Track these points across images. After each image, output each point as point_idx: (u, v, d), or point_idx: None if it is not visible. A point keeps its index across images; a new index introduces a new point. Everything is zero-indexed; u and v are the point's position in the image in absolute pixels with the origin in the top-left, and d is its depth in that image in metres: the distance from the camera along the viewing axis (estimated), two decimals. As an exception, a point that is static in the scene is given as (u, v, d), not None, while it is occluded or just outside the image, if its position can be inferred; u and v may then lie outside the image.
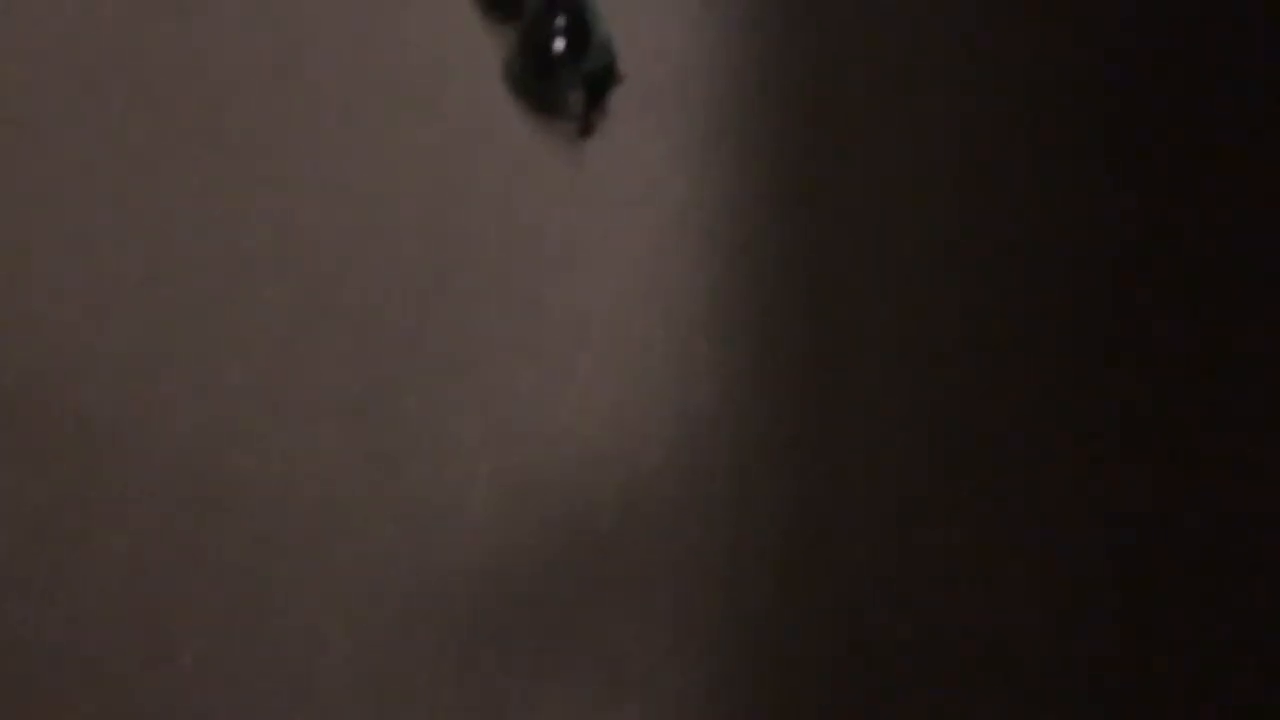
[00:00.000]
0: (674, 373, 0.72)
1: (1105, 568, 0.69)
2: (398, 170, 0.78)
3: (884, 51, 0.83)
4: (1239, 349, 0.75)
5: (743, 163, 0.79)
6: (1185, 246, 0.78)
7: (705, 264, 0.76)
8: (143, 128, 0.78)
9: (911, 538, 0.69)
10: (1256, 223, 0.79)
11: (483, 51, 0.83)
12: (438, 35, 0.83)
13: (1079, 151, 0.81)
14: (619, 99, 0.81)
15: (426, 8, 0.84)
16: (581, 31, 0.80)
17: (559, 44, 0.80)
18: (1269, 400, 0.74)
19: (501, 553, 0.67)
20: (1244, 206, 0.79)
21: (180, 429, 0.70)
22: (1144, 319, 0.75)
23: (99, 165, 0.77)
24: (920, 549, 0.69)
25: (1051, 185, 0.80)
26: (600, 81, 0.80)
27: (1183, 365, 0.74)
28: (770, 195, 0.78)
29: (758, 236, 0.77)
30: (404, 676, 0.66)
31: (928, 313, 0.75)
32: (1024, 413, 0.73)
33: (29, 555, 0.67)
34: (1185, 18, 0.85)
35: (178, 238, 0.75)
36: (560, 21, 0.81)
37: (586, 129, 0.80)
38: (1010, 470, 0.71)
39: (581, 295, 0.74)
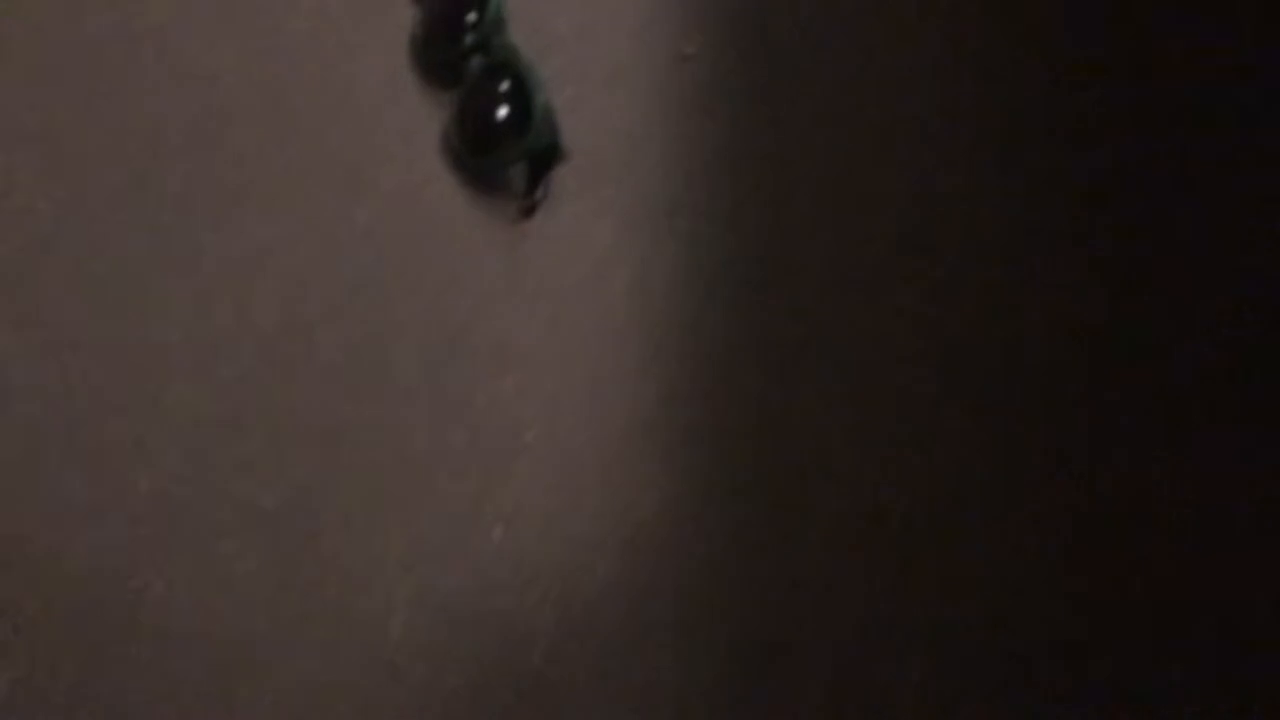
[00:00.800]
0: (616, 482, 0.66)
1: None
2: (323, 254, 0.72)
3: (847, 129, 0.77)
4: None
5: (695, 247, 0.73)
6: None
7: (652, 360, 0.70)
8: (50, 200, 0.72)
9: (874, 672, 0.63)
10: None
11: (420, 122, 0.77)
12: (372, 104, 0.77)
13: (1052, 247, 0.75)
14: (563, 175, 0.75)
15: (360, 73, 0.78)
16: (523, 103, 0.73)
17: (500, 114, 0.74)
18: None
19: (423, 689, 0.61)
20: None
21: (79, 546, 0.64)
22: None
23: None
24: (884, 683, 0.63)
25: (1023, 278, 0.74)
26: (543, 158, 0.74)
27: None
28: (724, 283, 0.72)
29: (710, 330, 0.71)
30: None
31: (894, 421, 0.69)
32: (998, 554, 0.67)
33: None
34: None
35: (77, 326, 0.69)
36: (503, 88, 0.75)
37: (528, 209, 0.74)
38: (981, 605, 0.65)
39: (516, 395, 0.68)
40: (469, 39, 0.77)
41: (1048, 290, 0.73)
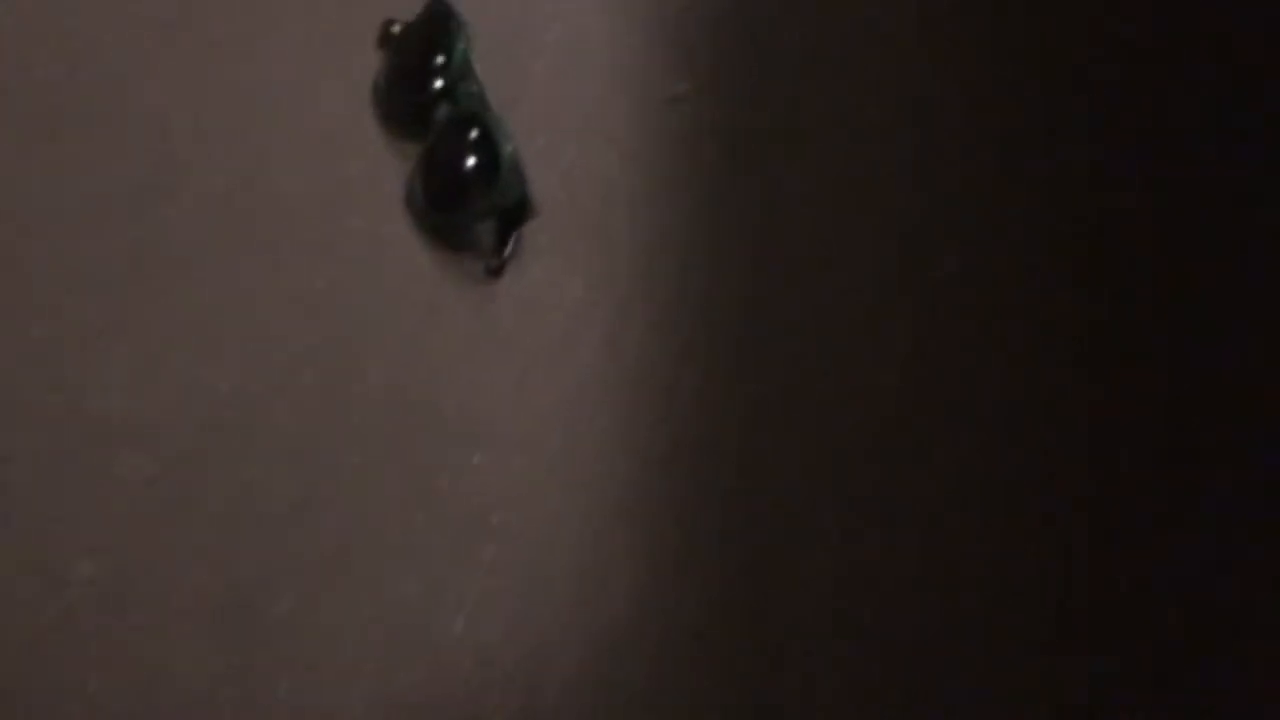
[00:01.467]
0: (586, 569, 0.62)
1: None
2: (278, 317, 0.68)
3: (830, 181, 0.74)
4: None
5: (671, 307, 0.69)
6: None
7: (626, 431, 0.66)
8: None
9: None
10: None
11: (383, 174, 0.73)
12: (333, 155, 0.73)
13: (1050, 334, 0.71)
14: (533, 231, 0.71)
15: (321, 122, 0.74)
16: (491, 155, 0.70)
17: (467, 167, 0.70)
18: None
19: (379, 797, 0.58)
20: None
21: (19, 635, 0.60)
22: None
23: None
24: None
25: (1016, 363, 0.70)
26: (512, 214, 0.70)
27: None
28: (701, 346, 0.68)
29: (686, 396, 0.67)
30: None
31: (877, 497, 0.65)
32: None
33: None
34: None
35: (13, 393, 0.65)
36: (470, 139, 0.71)
37: (496, 268, 0.70)
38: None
39: (483, 473, 0.64)
40: (435, 86, 0.73)
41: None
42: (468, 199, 0.70)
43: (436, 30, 0.74)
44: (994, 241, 0.72)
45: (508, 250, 0.70)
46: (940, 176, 0.74)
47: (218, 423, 0.65)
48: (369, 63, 0.76)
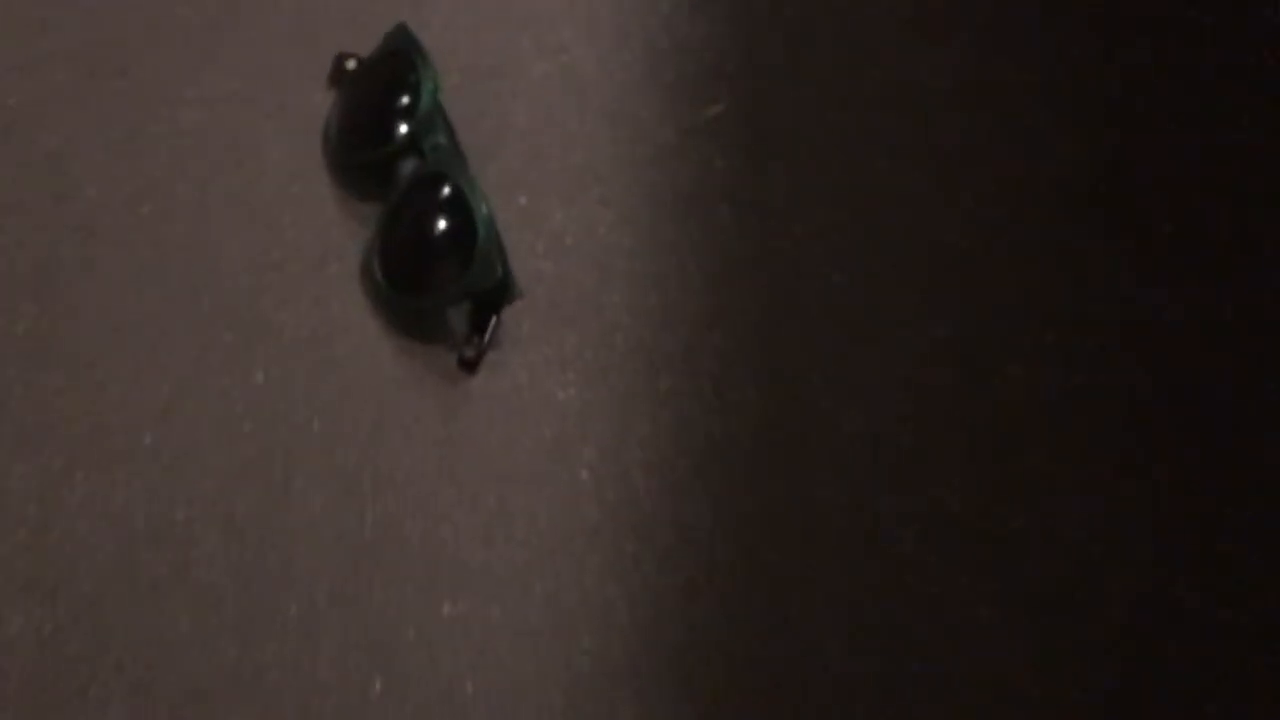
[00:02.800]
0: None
1: None
2: (206, 425, 0.56)
3: (848, 258, 0.62)
4: None
5: (680, 413, 0.57)
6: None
7: (625, 571, 0.54)
8: None
9: None
10: None
11: (333, 245, 0.61)
12: (271, 219, 0.61)
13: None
14: (516, 316, 0.59)
15: (257, 178, 0.62)
16: (465, 222, 0.57)
17: (435, 237, 0.58)
18: None
19: None
20: None
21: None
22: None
23: None
24: None
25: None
26: (490, 296, 0.58)
27: None
28: (716, 461, 0.56)
29: (696, 525, 0.55)
30: None
31: (889, 616, 0.53)
32: None
33: None
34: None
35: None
36: (439, 201, 0.58)
37: (470, 361, 0.58)
38: None
39: (453, 628, 0.52)
40: (397, 135, 0.61)
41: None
42: (436, 278, 0.58)
43: (399, 67, 0.62)
44: (1054, 350, 0.60)
45: (485, 339, 0.58)
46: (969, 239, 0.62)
47: (129, 565, 0.53)
48: (317, 105, 0.64)
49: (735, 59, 0.67)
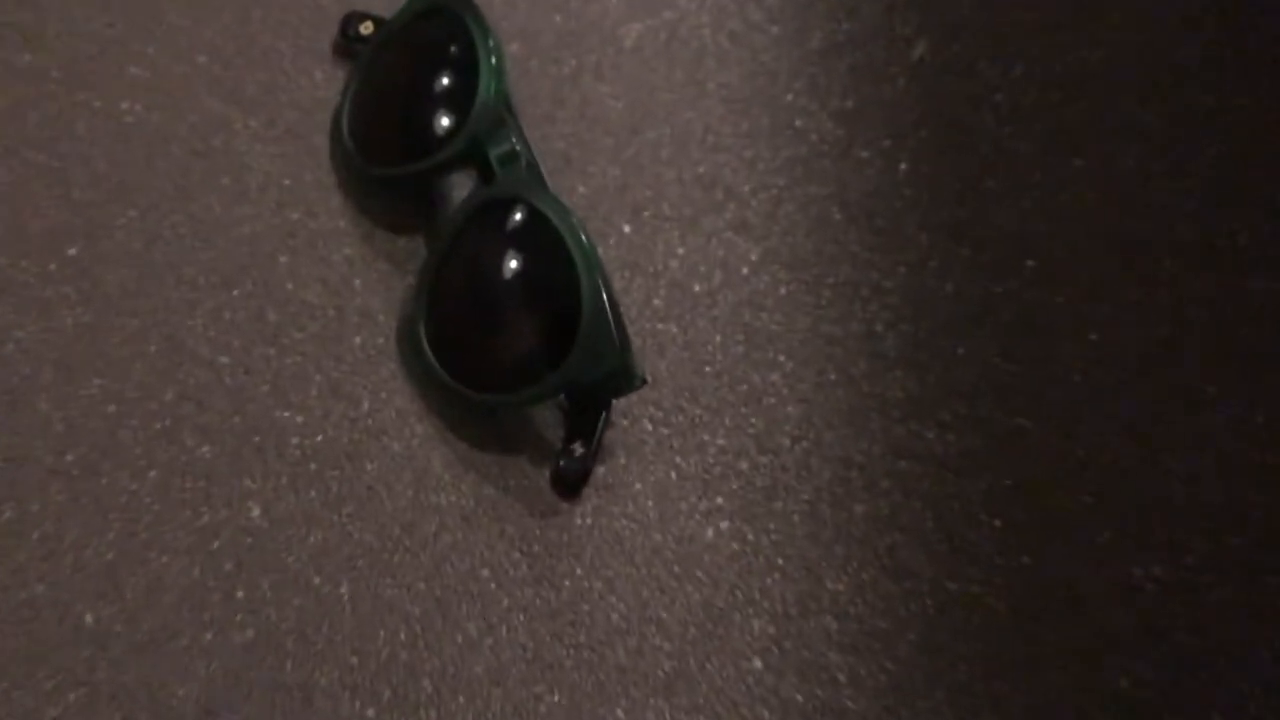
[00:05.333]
0: None
1: None
2: (183, 559, 0.36)
3: (1093, 319, 0.43)
4: None
5: (883, 555, 0.38)
6: None
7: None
8: None
9: None
10: None
11: (361, 307, 0.41)
12: (266, 253, 0.41)
13: None
14: (628, 409, 0.40)
15: (239, 182, 0.42)
16: (562, 279, 0.38)
17: (513, 301, 0.39)
18: None
19: None
20: None
21: None
22: None
23: None
24: None
25: None
26: (601, 388, 0.38)
27: None
28: (931, 641, 0.37)
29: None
30: None
31: None
32: None
33: None
34: None
35: None
36: (520, 245, 0.39)
37: (570, 479, 0.38)
38: None
39: None
40: (445, 140, 0.41)
41: None
42: (519, 362, 0.38)
43: (442, 33, 0.42)
44: None
45: (592, 447, 0.38)
46: None
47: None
48: (319, 90, 0.44)
49: None
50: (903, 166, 0.44)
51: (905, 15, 0.47)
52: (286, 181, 0.43)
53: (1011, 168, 0.44)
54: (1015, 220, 0.44)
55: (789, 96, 0.46)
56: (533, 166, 0.41)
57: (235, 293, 0.41)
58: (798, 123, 0.45)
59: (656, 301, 0.42)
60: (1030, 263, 0.43)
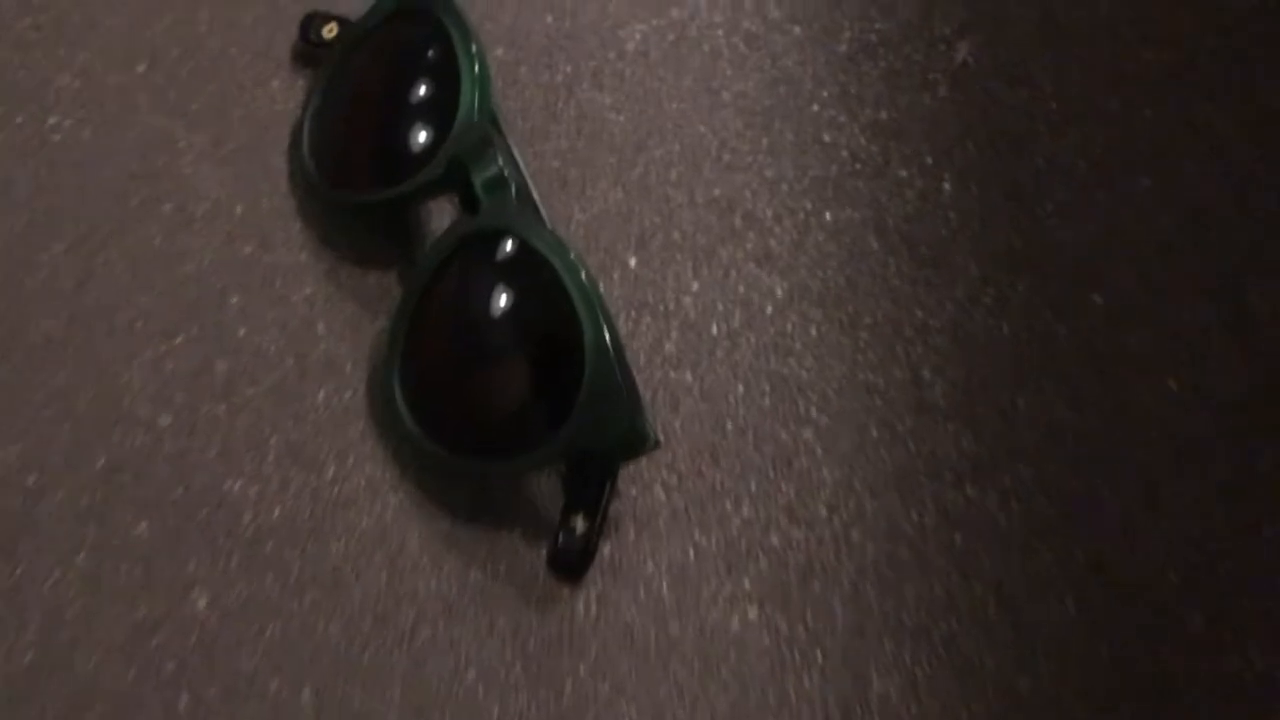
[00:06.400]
0: None
1: None
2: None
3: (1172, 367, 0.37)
4: None
5: (940, 653, 0.33)
6: None
7: None
8: None
9: None
10: None
11: (326, 355, 0.35)
12: (218, 287, 0.36)
13: None
14: (636, 476, 0.34)
15: (190, 238, 0.36)
16: (560, 336, 0.32)
17: (509, 354, 0.33)
18: None
19: None
20: None
21: None
22: None
23: None
24: None
25: None
26: (607, 455, 0.33)
27: None
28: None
29: None
30: None
31: None
32: None
33: None
34: None
35: None
36: (512, 285, 0.33)
37: (570, 560, 0.33)
38: None
39: None
40: (423, 161, 0.35)
41: None
42: (510, 425, 0.32)
43: (418, 37, 0.36)
44: None
45: (596, 522, 0.33)
46: None
47: None
48: (275, 103, 0.38)
49: None
50: (947, 186, 0.39)
51: (946, 12, 0.42)
52: (238, 209, 0.37)
53: (1071, 187, 0.39)
54: (1078, 248, 0.38)
55: (815, 107, 0.40)
56: (523, 192, 0.35)
57: (179, 340, 0.35)
58: (826, 137, 0.39)
59: (668, 346, 0.36)
60: (1097, 298, 0.37)
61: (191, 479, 0.33)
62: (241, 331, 0.35)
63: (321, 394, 0.35)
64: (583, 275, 0.32)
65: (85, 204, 0.37)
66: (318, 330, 0.35)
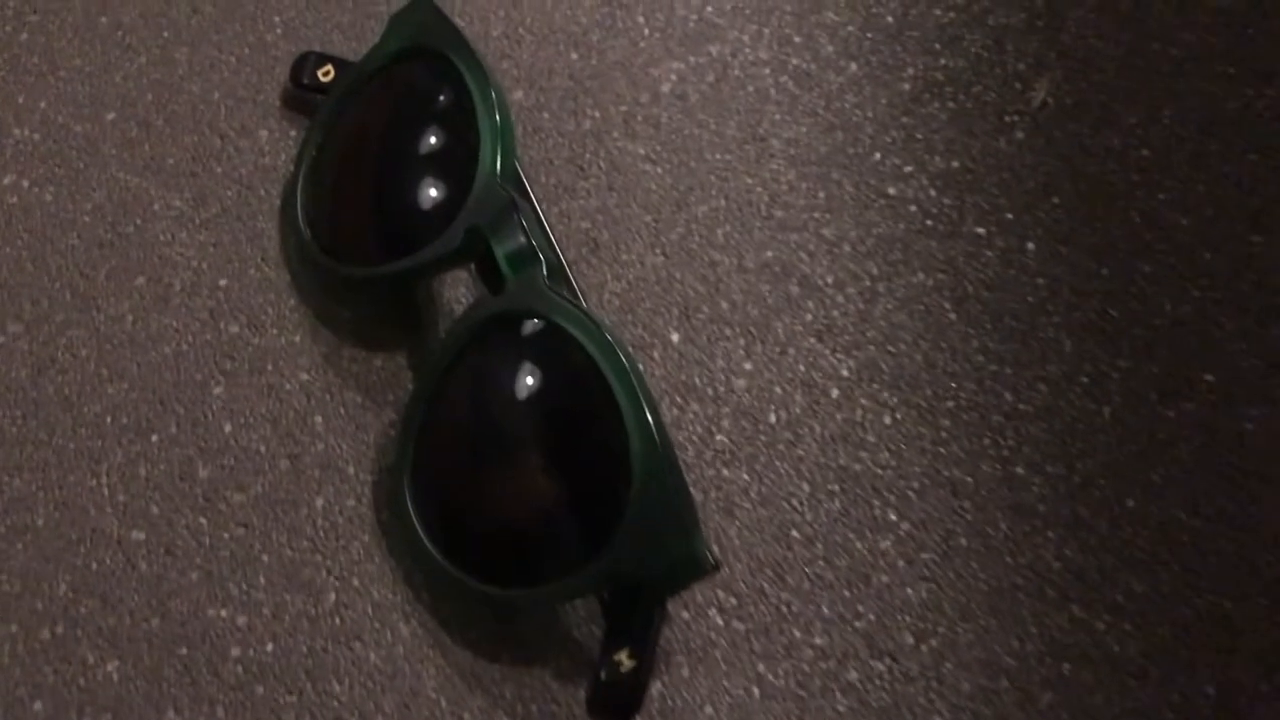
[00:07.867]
0: None
1: None
2: None
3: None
4: None
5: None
6: None
7: None
8: None
9: None
10: None
11: (325, 457, 0.30)
12: (198, 380, 0.31)
13: None
14: (690, 601, 0.29)
15: (165, 318, 0.31)
16: (603, 445, 0.27)
17: (537, 470, 0.28)
18: None
19: None
20: None
21: None
22: None
23: None
24: None
25: None
26: (658, 584, 0.28)
27: None
28: None
29: None
30: None
31: None
32: None
33: None
34: None
35: None
36: (540, 381, 0.28)
37: (617, 699, 0.28)
38: None
39: None
40: (437, 230, 0.30)
41: None
42: (545, 547, 0.28)
43: (428, 82, 0.32)
44: None
45: (646, 656, 0.28)
46: None
47: None
48: (263, 154, 0.33)
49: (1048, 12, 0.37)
50: (1030, 246, 0.34)
51: (1019, 46, 0.37)
52: (223, 282, 0.32)
53: (1172, 246, 0.34)
54: (1184, 317, 0.33)
55: (876, 155, 0.35)
56: (554, 266, 0.30)
57: (154, 439, 0.30)
58: (891, 190, 0.35)
59: (719, 437, 0.31)
60: (1209, 377, 0.32)
61: (168, 607, 0.29)
62: (227, 428, 0.30)
63: (320, 502, 0.30)
64: (631, 376, 0.27)
65: (45, 277, 0.32)
66: (315, 426, 0.31)
